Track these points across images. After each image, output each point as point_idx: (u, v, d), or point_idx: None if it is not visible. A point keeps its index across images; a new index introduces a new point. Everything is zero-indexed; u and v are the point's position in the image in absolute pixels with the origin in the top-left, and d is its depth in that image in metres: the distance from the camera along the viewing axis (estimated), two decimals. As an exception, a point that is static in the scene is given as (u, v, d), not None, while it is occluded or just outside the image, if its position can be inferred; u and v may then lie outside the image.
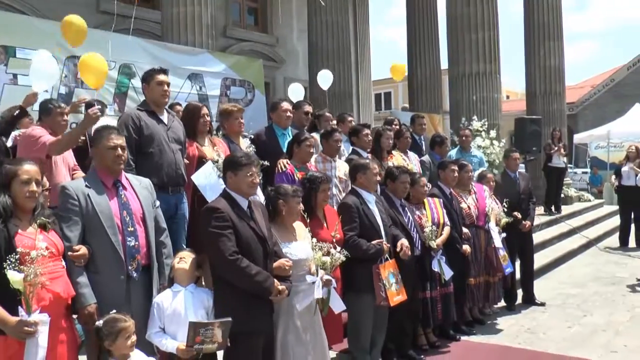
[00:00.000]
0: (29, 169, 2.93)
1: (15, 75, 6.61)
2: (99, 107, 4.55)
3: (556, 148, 11.64)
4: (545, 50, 14.28)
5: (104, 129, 3.41)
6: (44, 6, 10.18)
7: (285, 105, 5.71)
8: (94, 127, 4.21)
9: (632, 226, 10.62)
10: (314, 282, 3.79)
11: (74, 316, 3.09)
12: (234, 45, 13.85)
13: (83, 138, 4.82)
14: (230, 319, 3.10)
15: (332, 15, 11.49)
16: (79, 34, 6.03)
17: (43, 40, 6.68)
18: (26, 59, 6.58)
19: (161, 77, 4.48)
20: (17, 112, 5.11)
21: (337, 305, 4.09)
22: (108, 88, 7.38)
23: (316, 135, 5.85)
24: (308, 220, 4.09)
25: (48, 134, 4.55)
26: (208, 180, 4.59)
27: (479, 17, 11.26)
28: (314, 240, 3.92)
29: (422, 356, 5.26)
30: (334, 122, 6.74)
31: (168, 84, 4.53)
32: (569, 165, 13.47)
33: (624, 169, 10.49)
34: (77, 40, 6.07)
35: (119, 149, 3.25)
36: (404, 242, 4.69)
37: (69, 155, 4.86)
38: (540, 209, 10.56)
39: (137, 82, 7.68)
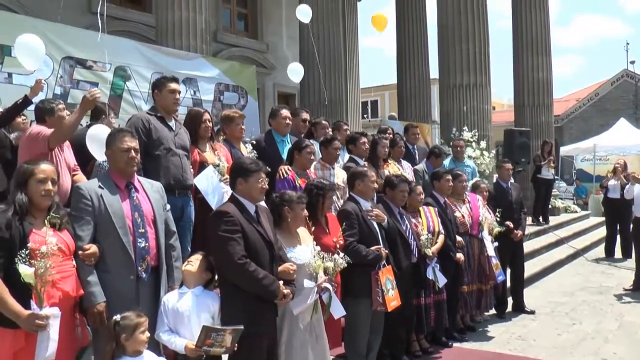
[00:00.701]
0: (46, 168, 3.01)
1: (10, 75, 6.55)
2: (97, 89, 4.46)
3: (546, 160, 11.84)
4: (533, 64, 14.53)
5: (118, 131, 3.47)
6: (37, 6, 10.13)
7: (285, 112, 5.77)
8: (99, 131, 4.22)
9: (618, 237, 10.83)
10: (311, 288, 3.83)
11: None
12: (224, 51, 13.88)
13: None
14: (242, 327, 3.14)
15: (323, 23, 11.56)
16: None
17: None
18: (22, 58, 6.57)
19: (173, 85, 4.57)
20: (20, 100, 4.96)
21: (338, 310, 4.14)
22: (103, 90, 7.34)
23: (313, 142, 5.89)
24: (313, 228, 4.15)
25: (47, 129, 4.48)
26: (209, 184, 4.62)
27: (470, 28, 11.41)
28: (318, 248, 3.97)
29: (415, 362, 5.32)
30: (330, 129, 6.79)
31: (179, 92, 4.62)
32: (555, 176, 13.68)
33: (611, 182, 10.69)
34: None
35: (132, 151, 3.30)
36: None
37: (70, 156, 4.83)
38: (528, 220, 10.71)
39: (132, 85, 7.69)
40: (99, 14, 6.33)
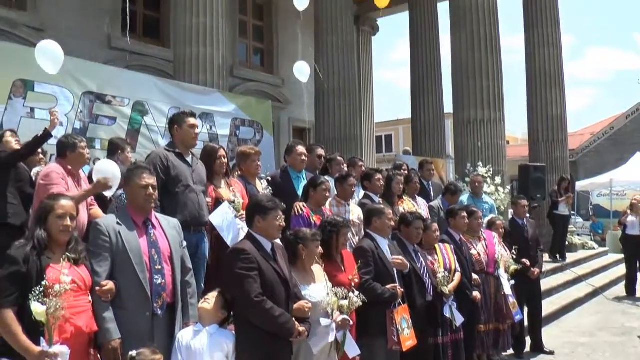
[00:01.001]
0: (65, 204, 3.09)
1: (32, 109, 6.68)
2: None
3: (564, 197, 11.74)
4: (547, 99, 14.53)
5: (137, 168, 3.53)
6: (59, 41, 10.37)
7: (301, 148, 5.81)
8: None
9: (638, 275, 10.62)
10: (328, 325, 3.82)
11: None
12: (240, 85, 14.07)
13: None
14: None
15: (339, 57, 11.68)
16: None
17: (61, 76, 6.79)
18: (44, 93, 6.72)
19: (192, 120, 4.64)
20: (40, 133, 5.01)
21: (352, 350, 4.09)
22: (121, 125, 7.47)
23: (329, 179, 5.91)
24: (324, 265, 4.13)
25: (61, 184, 4.47)
26: (225, 221, 4.62)
27: (483, 64, 11.45)
28: (330, 284, 3.96)
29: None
30: (345, 166, 6.81)
31: (197, 127, 4.68)
32: (571, 212, 13.54)
33: (629, 218, 10.55)
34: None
35: (150, 188, 3.34)
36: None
37: (87, 190, 4.86)
38: (545, 257, 10.58)
39: (149, 120, 7.79)
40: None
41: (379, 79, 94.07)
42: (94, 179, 4.36)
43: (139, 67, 10.92)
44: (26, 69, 6.58)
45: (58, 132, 6.69)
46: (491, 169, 10.60)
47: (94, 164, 5.88)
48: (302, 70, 8.79)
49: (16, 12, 10.26)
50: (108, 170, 4.33)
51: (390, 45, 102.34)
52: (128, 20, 9.23)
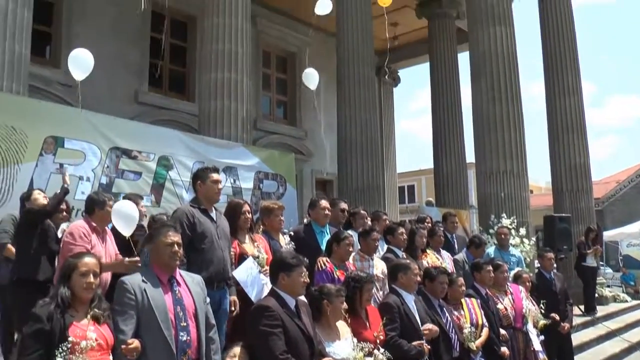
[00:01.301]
0: (88, 261, 3.15)
1: (61, 165, 6.82)
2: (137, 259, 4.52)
3: (592, 249, 11.51)
4: (569, 148, 14.44)
5: (162, 226, 3.60)
6: (90, 96, 10.68)
7: (324, 203, 5.82)
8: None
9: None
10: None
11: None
12: (264, 138, 14.27)
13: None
14: None
15: (361, 110, 11.76)
16: None
17: (89, 131, 7.01)
18: (73, 149, 6.89)
19: (215, 175, 4.68)
20: (59, 191, 5.15)
21: (377, 408, 3.99)
22: (146, 179, 7.59)
23: (352, 233, 5.90)
24: (350, 320, 4.09)
25: (85, 242, 4.52)
26: (249, 276, 4.62)
27: (505, 115, 11.46)
28: (355, 340, 3.91)
29: None
30: (369, 219, 6.80)
31: (221, 182, 4.73)
32: (600, 263, 13.24)
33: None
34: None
35: (175, 245, 3.38)
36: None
37: (111, 245, 4.92)
38: (575, 310, 10.30)
39: (174, 174, 7.90)
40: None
41: (400, 128, 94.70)
42: (112, 219, 4.43)
43: (165, 121, 11.17)
44: (58, 125, 6.79)
45: (85, 188, 6.91)
46: (515, 220, 10.47)
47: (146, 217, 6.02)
48: (311, 78, 8.63)
49: (50, 69, 10.64)
50: (126, 209, 4.40)
51: (411, 94, 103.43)
52: (155, 75, 9.51)
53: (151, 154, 7.69)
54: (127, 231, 4.38)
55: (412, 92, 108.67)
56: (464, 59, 14.94)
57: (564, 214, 12.13)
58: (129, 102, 11.79)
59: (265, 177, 9.17)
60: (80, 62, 5.93)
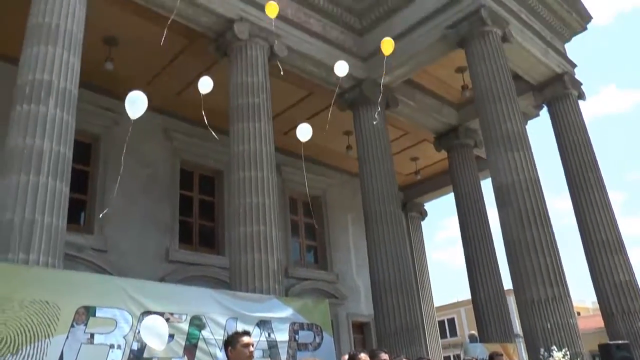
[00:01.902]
0: None
1: (92, 335, 6.77)
2: None
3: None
4: (610, 265, 13.87)
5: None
6: (119, 259, 10.89)
7: (364, 356, 5.62)
8: None
9: None
10: None
11: None
12: (296, 285, 14.15)
13: None
14: None
15: (391, 248, 11.70)
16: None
17: (121, 297, 7.00)
18: (105, 317, 6.85)
19: (246, 339, 4.74)
20: None
21: None
22: (179, 341, 7.44)
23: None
24: None
25: None
26: None
27: (537, 240, 11.19)
28: None
29: None
30: (413, 366, 6.49)
31: (253, 344, 4.78)
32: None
33: None
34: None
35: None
36: None
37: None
38: None
39: (207, 333, 7.74)
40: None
41: (433, 260, 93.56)
42: (142, 334, 4.60)
43: (196, 277, 11.23)
44: (90, 295, 6.82)
45: (115, 356, 6.78)
46: (568, 353, 9.86)
47: None
48: (305, 131, 8.18)
49: (83, 236, 10.96)
50: (157, 325, 4.46)
51: (438, 224, 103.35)
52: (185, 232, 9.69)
53: (183, 315, 7.60)
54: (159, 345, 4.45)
55: (439, 222, 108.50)
56: (488, 183, 14.96)
57: (620, 341, 11.36)
58: (159, 261, 11.95)
59: (300, 327, 8.91)
60: (135, 101, 6.27)
